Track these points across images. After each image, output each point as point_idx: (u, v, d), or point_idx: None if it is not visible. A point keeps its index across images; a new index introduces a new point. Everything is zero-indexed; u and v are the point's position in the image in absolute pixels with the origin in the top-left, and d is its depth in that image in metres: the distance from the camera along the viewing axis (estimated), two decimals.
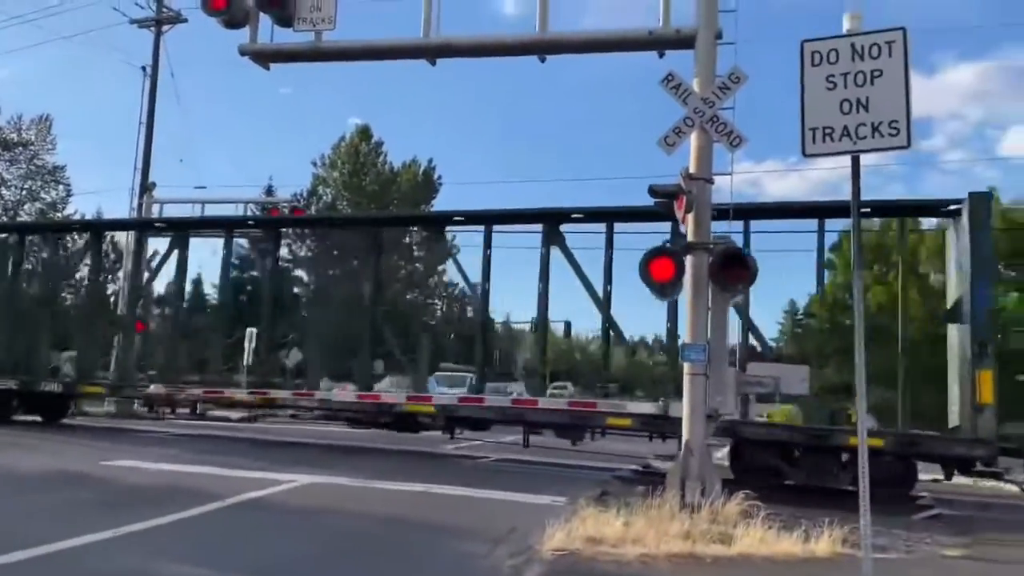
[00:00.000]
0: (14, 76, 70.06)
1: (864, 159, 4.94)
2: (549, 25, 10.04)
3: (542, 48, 10.10)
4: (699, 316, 8.98)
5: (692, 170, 9.17)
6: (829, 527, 7.15)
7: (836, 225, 18.40)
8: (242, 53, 10.73)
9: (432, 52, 10.32)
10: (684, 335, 9.29)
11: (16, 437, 15.37)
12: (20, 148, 56.25)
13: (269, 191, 48.82)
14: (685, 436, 8.93)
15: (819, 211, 13.45)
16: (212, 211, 24.67)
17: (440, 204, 55.43)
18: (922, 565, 7.36)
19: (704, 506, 8.18)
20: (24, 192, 56.80)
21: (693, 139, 9.24)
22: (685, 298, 9.33)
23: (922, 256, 39.11)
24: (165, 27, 30.84)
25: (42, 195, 54.83)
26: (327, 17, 10.38)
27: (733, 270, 8.81)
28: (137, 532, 6.92)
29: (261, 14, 10.69)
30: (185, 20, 30.51)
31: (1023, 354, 11.87)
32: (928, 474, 12.44)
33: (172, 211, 24.97)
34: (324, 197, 53.89)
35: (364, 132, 53.92)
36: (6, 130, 55.70)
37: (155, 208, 25.43)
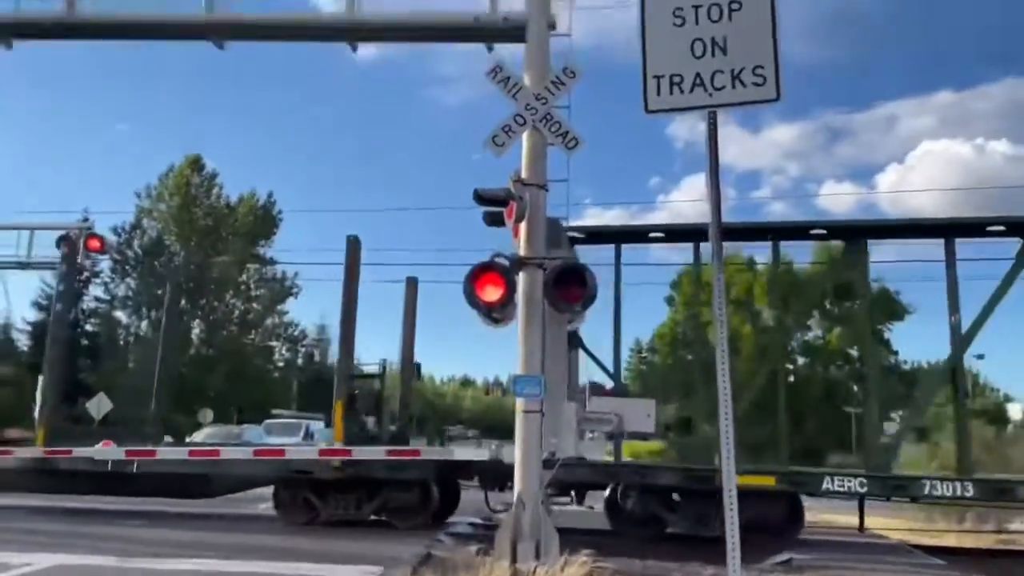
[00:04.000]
0: None
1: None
2: (363, 7, 8.59)
3: (353, 32, 8.61)
4: (533, 343, 7.65)
5: (524, 175, 7.93)
6: None
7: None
8: None
9: (219, 31, 8.57)
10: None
11: None
12: None
13: (85, 221, 43.91)
14: (517, 486, 7.51)
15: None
16: None
17: (282, 239, 52.47)
18: None
19: (539, 570, 6.77)
20: None
21: (525, 139, 8.04)
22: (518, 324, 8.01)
23: (756, 292, 40.71)
24: None
25: None
26: None
27: (570, 288, 7.58)
28: None
29: None
30: None
31: None
32: None
33: None
34: (149, 231, 49.43)
35: (195, 162, 50.12)
36: None
37: None
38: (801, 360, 42.84)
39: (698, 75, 3.70)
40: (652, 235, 13.04)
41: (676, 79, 3.72)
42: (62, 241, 20.96)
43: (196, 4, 8.66)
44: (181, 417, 41.71)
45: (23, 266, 21.50)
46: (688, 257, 12.54)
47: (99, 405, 27.49)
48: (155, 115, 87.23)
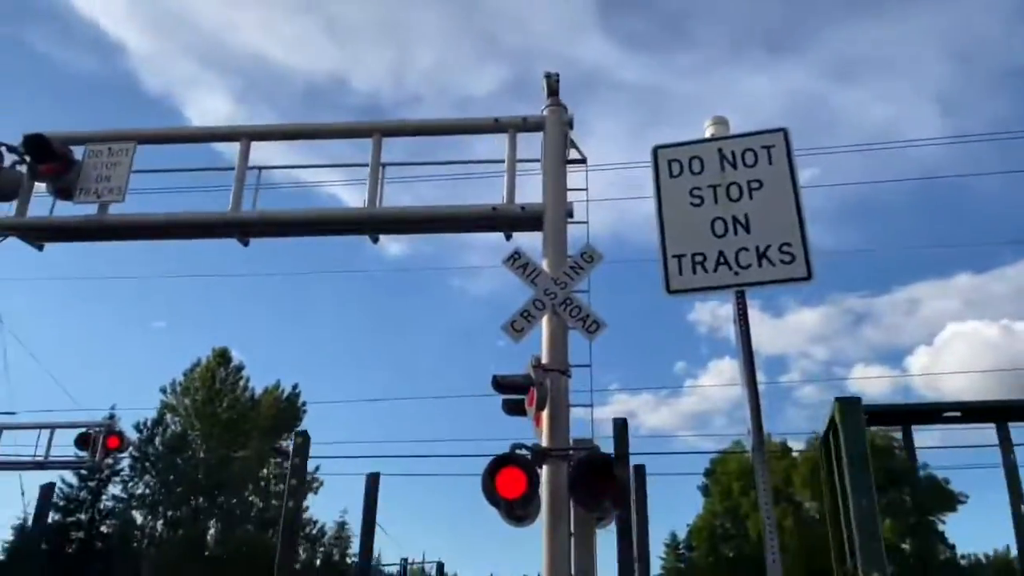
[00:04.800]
0: None
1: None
2: (383, 201, 8.81)
3: (374, 224, 8.75)
4: (558, 543, 7.02)
5: (545, 360, 7.68)
6: None
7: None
8: (4, 228, 8.82)
9: (243, 227, 8.78)
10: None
11: None
12: None
13: (111, 419, 43.96)
14: None
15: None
16: (13, 438, 20.84)
17: (307, 429, 51.78)
18: None
19: None
20: None
21: (545, 324, 7.87)
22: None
23: (795, 481, 38.83)
24: None
25: None
26: (116, 188, 8.76)
27: (598, 484, 7.03)
28: None
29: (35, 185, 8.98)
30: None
31: None
32: None
33: None
34: (172, 426, 49.18)
35: (222, 355, 50.78)
36: None
37: None
38: None
39: (721, 254, 3.51)
40: (947, 414, 11.43)
41: (698, 258, 3.53)
42: (80, 439, 20.79)
43: (221, 203, 8.96)
44: None
45: (40, 466, 21.18)
46: (723, 443, 11.86)
47: None
48: (191, 311, 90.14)
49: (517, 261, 7.99)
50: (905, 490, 34.56)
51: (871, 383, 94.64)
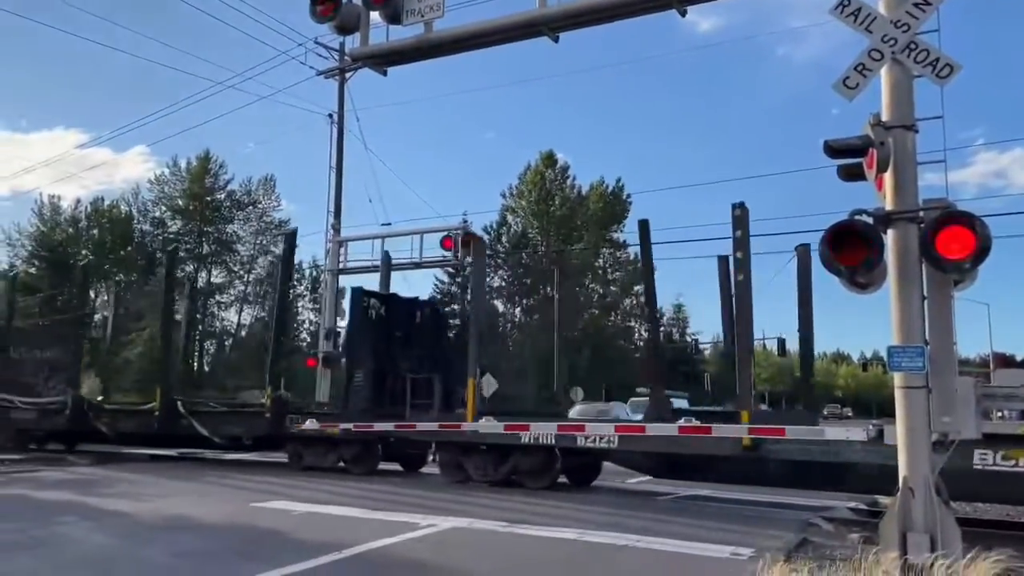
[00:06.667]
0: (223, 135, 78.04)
1: None
2: None
3: None
4: (910, 309, 6.68)
5: (885, 116, 6.95)
6: None
7: None
8: (355, 58, 10.07)
9: (551, 23, 8.93)
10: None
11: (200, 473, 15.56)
12: (250, 207, 62.20)
13: (464, 223, 49.99)
14: (902, 471, 6.62)
15: None
16: (392, 244, 24.74)
17: (632, 221, 53.73)
18: None
19: (936, 569, 5.90)
20: (256, 247, 62.66)
21: (884, 76, 7.04)
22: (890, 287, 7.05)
23: None
24: (348, 74, 32.07)
25: (272, 248, 59.87)
26: (436, 4, 9.35)
27: (954, 242, 6.44)
28: None
29: (371, 18, 9.91)
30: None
31: None
32: None
33: (356, 248, 25.48)
34: (514, 226, 54.11)
35: (549, 158, 53.63)
36: (238, 192, 61.83)
37: (340, 249, 26.14)
38: None
39: None
40: None
41: None
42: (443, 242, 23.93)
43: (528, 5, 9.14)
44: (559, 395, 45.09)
45: (417, 266, 24.90)
46: None
47: (487, 384, 30.82)
48: (517, 120, 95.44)
49: (847, 8, 7.11)
50: None
51: None
